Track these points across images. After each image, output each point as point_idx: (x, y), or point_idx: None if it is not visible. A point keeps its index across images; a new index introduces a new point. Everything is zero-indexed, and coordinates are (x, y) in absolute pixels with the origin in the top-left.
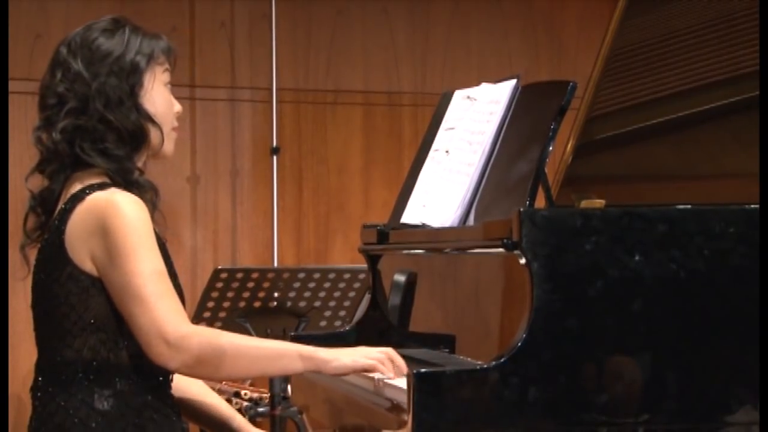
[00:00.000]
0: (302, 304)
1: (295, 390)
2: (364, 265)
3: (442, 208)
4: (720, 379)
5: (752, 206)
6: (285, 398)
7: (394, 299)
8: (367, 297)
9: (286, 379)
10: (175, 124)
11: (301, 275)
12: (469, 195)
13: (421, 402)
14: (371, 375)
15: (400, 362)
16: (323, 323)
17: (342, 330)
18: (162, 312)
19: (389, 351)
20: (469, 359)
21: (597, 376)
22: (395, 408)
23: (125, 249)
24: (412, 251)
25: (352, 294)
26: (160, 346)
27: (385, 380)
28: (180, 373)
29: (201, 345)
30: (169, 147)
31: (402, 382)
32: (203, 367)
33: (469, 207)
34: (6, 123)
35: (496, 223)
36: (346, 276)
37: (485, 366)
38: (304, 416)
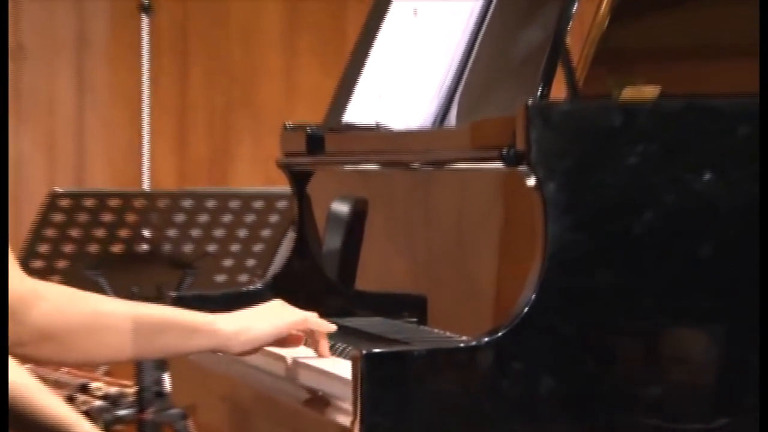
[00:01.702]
0: (188, 248)
1: (177, 382)
2: (286, 188)
3: (408, 99)
4: None
5: None
6: (161, 394)
7: (333, 241)
8: (290, 237)
9: (161, 365)
10: None
11: (187, 203)
12: (448, 80)
13: (373, 397)
14: (286, 352)
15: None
16: (221, 277)
17: (250, 288)
18: None
19: (309, 315)
20: (447, 333)
21: (644, 359)
22: (320, 402)
23: None
24: (361, 167)
25: (265, 232)
26: None
27: (302, 359)
28: (14, 354)
29: (50, 312)
30: None
31: (326, 363)
32: (50, 345)
33: (449, 98)
34: (6, 120)
35: (491, 123)
36: (257, 204)
37: (473, 343)
38: (190, 422)
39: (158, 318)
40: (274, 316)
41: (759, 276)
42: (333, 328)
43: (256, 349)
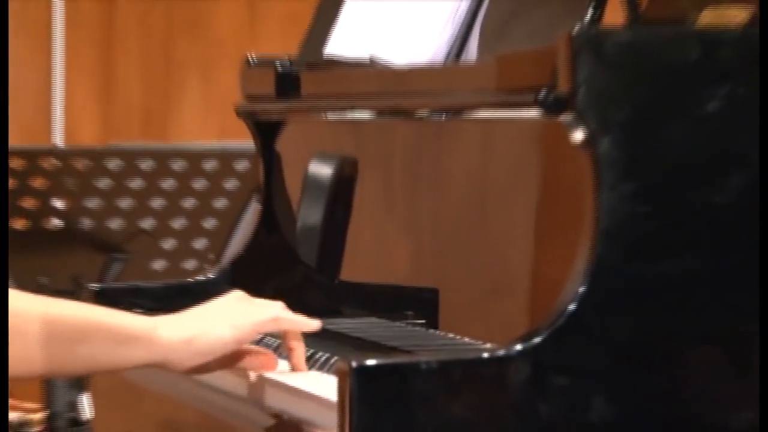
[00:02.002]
0: (115, 224)
1: (100, 405)
2: (248, 143)
3: (413, 25)
4: None
5: None
6: (78, 423)
7: (312, 215)
8: (253, 209)
9: (78, 383)
10: None
11: (114, 164)
12: (465, 1)
13: (366, 426)
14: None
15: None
16: (160, 264)
17: (199, 278)
18: None
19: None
20: (465, 339)
21: (730, 373)
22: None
23: None
24: (349, 115)
25: (220, 203)
26: None
27: (270, 374)
28: None
29: None
30: None
31: (302, 380)
32: None
33: (467, 25)
34: (6, 118)
35: (523, 56)
36: (209, 165)
37: (500, 352)
38: None
39: (79, 321)
40: (235, 314)
41: (759, 275)
42: (314, 324)
43: (211, 365)
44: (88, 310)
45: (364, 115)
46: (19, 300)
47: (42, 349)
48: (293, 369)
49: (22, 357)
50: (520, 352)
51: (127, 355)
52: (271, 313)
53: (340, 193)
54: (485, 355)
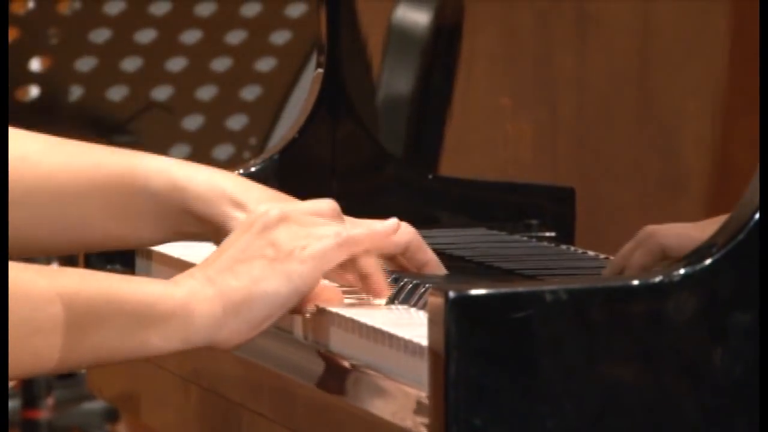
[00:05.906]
0: (117, 92)
1: None
2: None
3: None
4: None
5: None
6: (66, 376)
7: (396, 83)
8: (311, 75)
9: None
10: None
11: (115, 6)
12: None
13: (469, 381)
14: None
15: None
16: (178, 150)
17: (236, 173)
18: None
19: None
20: (610, 258)
21: None
22: (364, 388)
23: None
24: None
25: (263, 64)
26: None
27: (332, 309)
28: None
29: None
30: None
31: (381, 316)
32: None
33: None
34: (6, 120)
35: None
36: (249, 9)
37: (656, 279)
38: (122, 426)
39: (95, 297)
40: (284, 250)
41: (759, 273)
42: (389, 225)
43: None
44: (103, 281)
45: None
46: (27, 274)
47: (62, 338)
48: (373, 297)
49: (37, 351)
50: (684, 278)
51: (158, 341)
52: (334, 237)
53: (440, 50)
54: (635, 282)
